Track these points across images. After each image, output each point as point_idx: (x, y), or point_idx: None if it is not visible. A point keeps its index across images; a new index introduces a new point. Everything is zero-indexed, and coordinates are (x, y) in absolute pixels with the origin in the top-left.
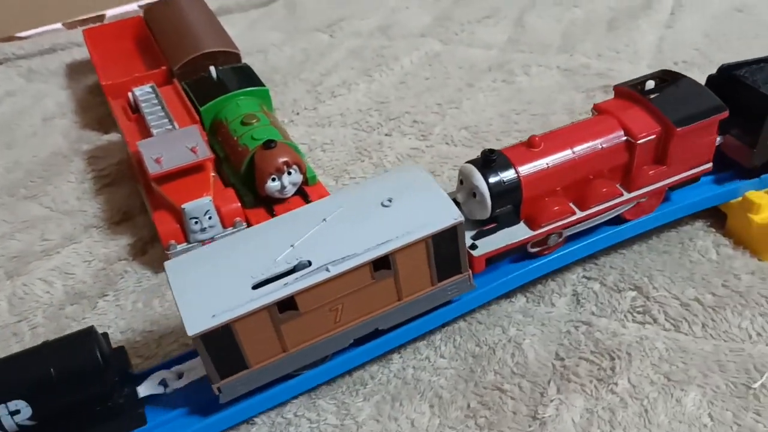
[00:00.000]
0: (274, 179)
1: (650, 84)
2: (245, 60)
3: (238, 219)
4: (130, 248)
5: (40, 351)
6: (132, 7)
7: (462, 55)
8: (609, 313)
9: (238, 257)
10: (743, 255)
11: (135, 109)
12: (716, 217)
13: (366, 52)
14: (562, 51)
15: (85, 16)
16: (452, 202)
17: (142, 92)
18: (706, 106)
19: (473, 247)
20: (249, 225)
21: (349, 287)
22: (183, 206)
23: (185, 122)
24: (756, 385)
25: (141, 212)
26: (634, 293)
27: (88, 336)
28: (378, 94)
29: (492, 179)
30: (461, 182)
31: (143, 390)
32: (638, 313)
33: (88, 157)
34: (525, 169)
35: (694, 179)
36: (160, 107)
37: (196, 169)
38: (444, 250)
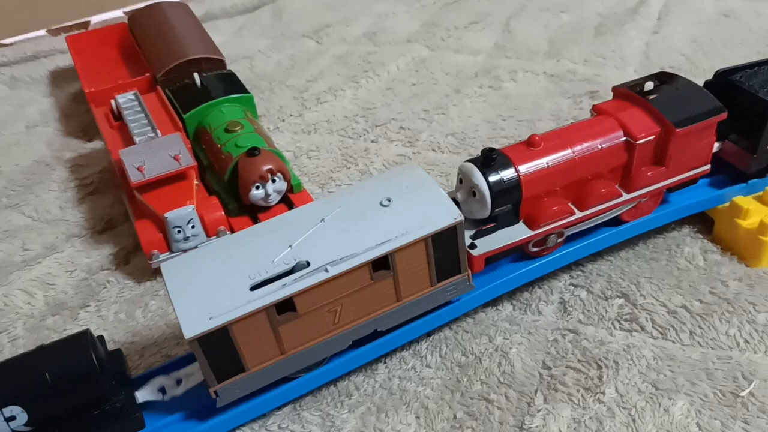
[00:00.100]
0: (258, 187)
1: (648, 85)
2: (231, 66)
3: (221, 228)
4: (112, 258)
5: (35, 355)
6: (117, 13)
7: (449, 61)
8: (596, 320)
9: (236, 258)
10: (731, 261)
11: (118, 116)
12: (703, 223)
13: (353, 59)
14: (549, 57)
15: (70, 23)
16: (452, 201)
17: (124, 99)
18: (705, 107)
19: (472, 246)
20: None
21: (348, 288)
22: (166, 215)
23: (168, 130)
24: (744, 393)
25: (124, 221)
26: (621, 300)
27: (83, 339)
28: (364, 100)
29: (492, 178)
30: (460, 181)
31: (141, 396)
32: (625, 320)
33: (71, 166)
34: (525, 168)
35: (693, 181)
36: (143, 114)
37: (179, 177)
38: (444, 250)
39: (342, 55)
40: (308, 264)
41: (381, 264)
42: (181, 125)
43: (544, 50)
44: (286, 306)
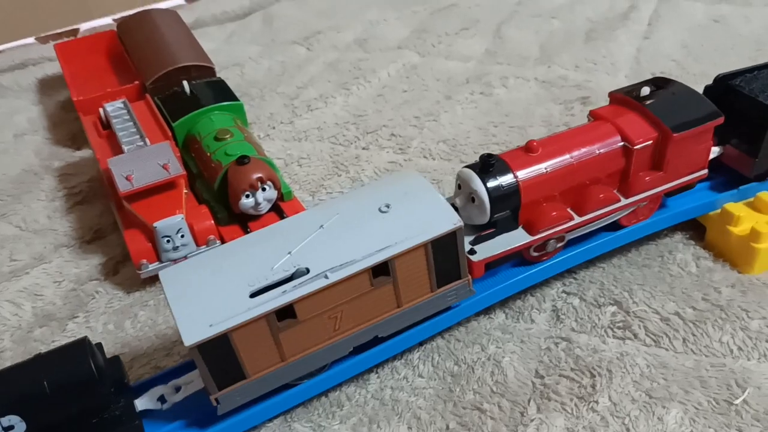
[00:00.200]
0: (248, 196)
1: (645, 90)
2: (222, 73)
3: (211, 237)
4: (101, 268)
5: (33, 364)
6: (107, 20)
7: (440, 68)
8: (589, 328)
9: (235, 265)
10: (723, 268)
11: (106, 125)
12: (696, 230)
13: (343, 65)
14: (540, 63)
15: (58, 30)
16: (451, 207)
17: (113, 108)
18: (702, 112)
19: (472, 252)
20: (223, 243)
21: (348, 294)
22: (155, 224)
23: (157, 138)
24: (738, 401)
25: (113, 231)
26: (614, 308)
27: (81, 347)
28: (355, 107)
29: (491, 184)
30: (459, 187)
31: (141, 404)
32: (618, 328)
33: (59, 175)
34: (523, 174)
35: (690, 185)
36: (131, 123)
37: (168, 186)
38: (443, 256)
39: (333, 62)
40: (308, 270)
41: (381, 270)
42: (170, 133)
43: (535, 56)
44: (286, 313)
